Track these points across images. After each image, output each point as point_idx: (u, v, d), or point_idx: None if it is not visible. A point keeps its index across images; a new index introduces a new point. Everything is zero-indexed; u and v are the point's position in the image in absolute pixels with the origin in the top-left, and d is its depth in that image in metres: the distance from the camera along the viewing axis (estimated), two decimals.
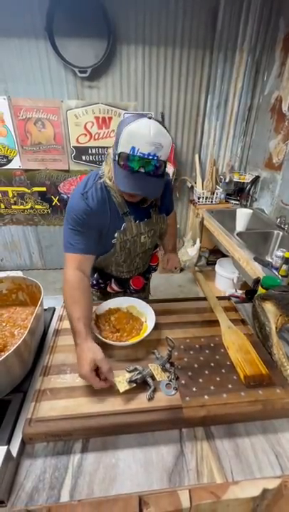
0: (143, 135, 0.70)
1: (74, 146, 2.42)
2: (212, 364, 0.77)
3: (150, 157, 0.71)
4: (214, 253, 2.76)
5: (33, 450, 0.60)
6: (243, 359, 0.76)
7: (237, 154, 2.63)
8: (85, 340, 0.70)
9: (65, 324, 0.90)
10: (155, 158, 0.72)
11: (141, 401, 0.66)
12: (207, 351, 0.81)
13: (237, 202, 2.58)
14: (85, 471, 0.56)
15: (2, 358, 0.59)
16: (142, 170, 0.73)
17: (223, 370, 0.75)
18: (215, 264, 2.53)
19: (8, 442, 0.58)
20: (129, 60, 2.21)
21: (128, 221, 0.93)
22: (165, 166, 0.77)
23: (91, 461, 0.58)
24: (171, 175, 2.51)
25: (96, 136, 2.40)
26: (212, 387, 0.70)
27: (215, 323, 0.93)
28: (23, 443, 0.59)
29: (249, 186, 2.48)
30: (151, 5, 2.04)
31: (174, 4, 2.06)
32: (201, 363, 0.77)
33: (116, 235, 0.93)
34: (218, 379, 0.72)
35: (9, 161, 2.45)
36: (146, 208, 0.97)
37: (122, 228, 0.93)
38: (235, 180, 2.57)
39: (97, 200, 0.85)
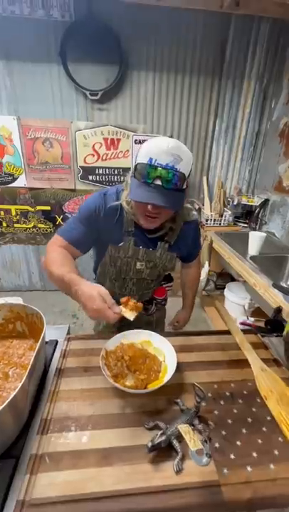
0: (161, 147, 0.67)
1: (81, 166, 2.39)
2: (249, 419, 0.63)
3: (168, 167, 0.67)
4: (222, 276, 2.65)
5: None
6: (288, 413, 0.62)
7: (245, 177, 2.62)
8: (82, 283, 0.66)
9: (70, 362, 0.76)
10: (173, 169, 0.67)
11: (166, 474, 0.51)
12: (240, 401, 0.67)
13: (246, 225, 2.52)
14: None
15: None
16: (159, 182, 0.69)
17: (264, 429, 0.61)
18: (223, 288, 2.41)
19: None
20: (140, 85, 2.25)
21: (127, 241, 0.89)
22: (184, 181, 0.72)
23: None
24: None
25: (104, 157, 2.38)
26: (254, 454, 0.55)
27: (243, 362, 0.79)
28: None
29: (258, 209, 2.43)
30: (163, 36, 2.11)
31: (185, 35, 2.13)
32: (235, 418, 0.63)
33: (109, 247, 0.91)
34: (259, 441, 0.58)
35: (14, 179, 2.40)
36: (155, 238, 0.90)
37: (118, 244, 0.90)
38: (243, 203, 2.52)
39: (110, 205, 0.85)
